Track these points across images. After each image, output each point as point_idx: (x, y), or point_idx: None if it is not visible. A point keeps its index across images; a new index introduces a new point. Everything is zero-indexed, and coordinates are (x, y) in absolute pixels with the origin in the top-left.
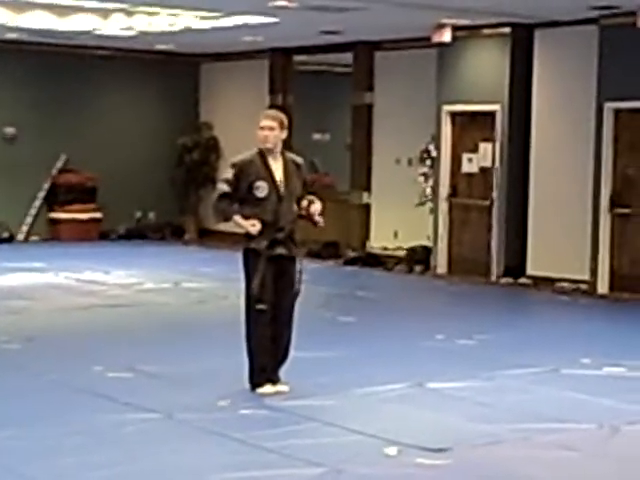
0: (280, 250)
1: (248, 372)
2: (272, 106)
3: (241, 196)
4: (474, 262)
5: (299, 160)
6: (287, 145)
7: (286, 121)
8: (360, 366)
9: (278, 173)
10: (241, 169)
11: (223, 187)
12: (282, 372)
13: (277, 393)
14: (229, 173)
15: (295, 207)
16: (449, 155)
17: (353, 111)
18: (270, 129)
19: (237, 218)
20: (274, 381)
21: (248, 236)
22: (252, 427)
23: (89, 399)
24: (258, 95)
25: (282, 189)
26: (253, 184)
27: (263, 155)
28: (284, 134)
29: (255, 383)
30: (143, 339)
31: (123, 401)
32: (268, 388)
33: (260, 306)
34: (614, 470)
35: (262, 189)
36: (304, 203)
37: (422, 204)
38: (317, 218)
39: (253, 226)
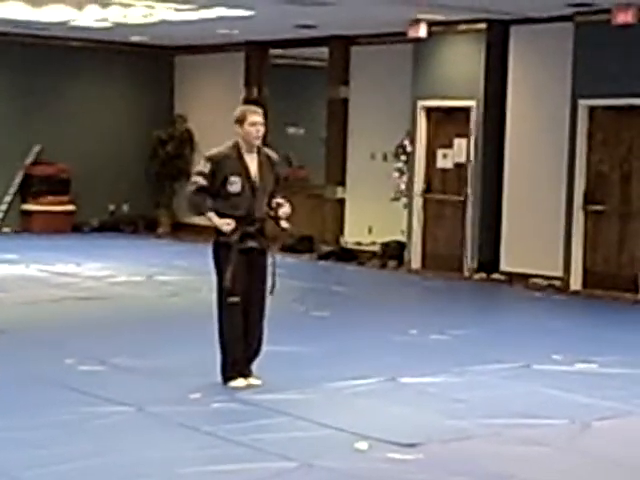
0: (251, 243)
1: (220, 366)
2: (247, 100)
3: (214, 190)
4: (448, 257)
5: (274, 156)
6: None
7: None
8: (333, 360)
9: (253, 168)
10: (217, 163)
11: (199, 180)
12: (254, 366)
13: (249, 387)
14: (205, 167)
15: (266, 203)
16: (424, 150)
17: (328, 105)
18: (262, 124)
19: (211, 215)
20: (246, 375)
21: (218, 230)
22: (223, 420)
23: (60, 392)
24: (233, 88)
25: (256, 184)
26: (227, 179)
27: (239, 149)
28: None
29: (227, 377)
30: (115, 332)
31: (94, 394)
32: (240, 382)
33: (232, 299)
34: (584, 465)
35: (236, 184)
36: (273, 203)
37: (397, 199)
38: (283, 223)
39: (227, 225)
